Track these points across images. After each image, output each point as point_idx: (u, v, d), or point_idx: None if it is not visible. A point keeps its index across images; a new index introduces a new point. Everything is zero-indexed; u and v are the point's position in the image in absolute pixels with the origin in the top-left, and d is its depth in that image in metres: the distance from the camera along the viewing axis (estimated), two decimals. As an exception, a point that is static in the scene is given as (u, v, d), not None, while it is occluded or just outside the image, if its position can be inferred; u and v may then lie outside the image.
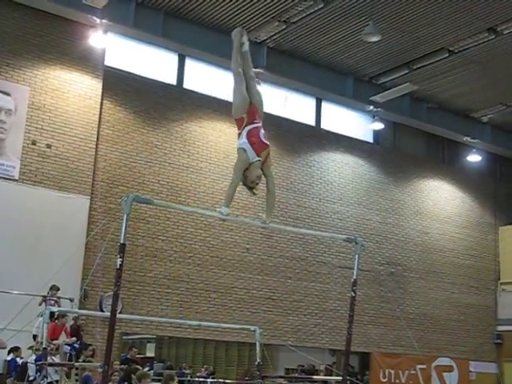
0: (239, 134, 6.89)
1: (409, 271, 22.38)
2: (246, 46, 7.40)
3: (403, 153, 23.20)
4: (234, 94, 7.04)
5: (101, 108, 17.10)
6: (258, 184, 6.93)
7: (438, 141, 24.02)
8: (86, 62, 16.81)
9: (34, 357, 11.78)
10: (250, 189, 7.10)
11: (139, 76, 18.15)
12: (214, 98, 19.21)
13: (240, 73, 7.12)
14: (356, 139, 22.15)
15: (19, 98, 15.84)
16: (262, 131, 6.88)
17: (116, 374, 12.27)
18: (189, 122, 18.71)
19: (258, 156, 6.75)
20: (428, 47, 18.53)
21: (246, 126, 6.81)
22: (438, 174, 23.85)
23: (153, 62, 18.55)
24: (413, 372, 21.43)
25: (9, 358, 13.50)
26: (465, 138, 23.34)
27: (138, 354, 17.72)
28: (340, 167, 21.52)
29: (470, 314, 23.50)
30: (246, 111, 6.86)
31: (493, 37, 17.51)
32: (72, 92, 16.58)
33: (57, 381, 9.97)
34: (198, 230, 18.21)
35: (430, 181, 23.63)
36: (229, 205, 6.75)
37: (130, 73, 18.01)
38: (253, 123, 6.82)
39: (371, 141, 22.71)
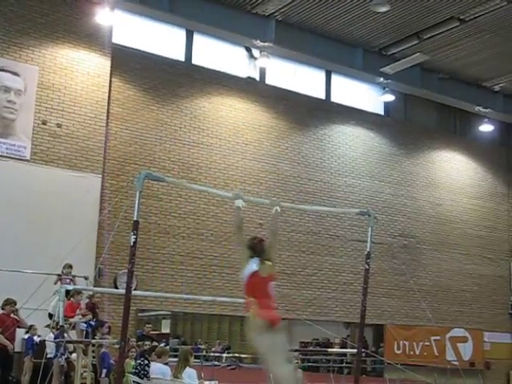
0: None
1: (422, 243, 22.35)
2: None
3: (414, 124, 23.06)
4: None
5: (110, 86, 17.05)
6: None
7: (450, 111, 23.84)
8: (94, 39, 16.72)
9: (51, 335, 11.89)
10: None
11: (147, 53, 18.07)
12: (223, 73, 19.14)
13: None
14: (366, 112, 22.02)
15: (28, 78, 15.81)
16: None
17: (133, 350, 12.36)
18: (198, 98, 18.64)
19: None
20: (438, 16, 18.29)
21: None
22: (450, 145, 23.71)
23: (160, 39, 18.46)
24: (427, 343, 21.47)
25: (26, 336, 13.64)
26: (477, 108, 23.14)
27: (154, 330, 17.83)
28: (351, 140, 21.43)
29: (483, 285, 23.47)
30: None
31: (505, 3, 17.22)
32: (80, 70, 16.53)
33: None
34: (210, 206, 18.21)
35: (442, 152, 23.50)
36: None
37: (138, 50, 17.94)
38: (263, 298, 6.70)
39: (382, 113, 22.58)
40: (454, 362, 20.83)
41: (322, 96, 21.21)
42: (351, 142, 21.41)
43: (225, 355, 26.16)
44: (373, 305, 19.53)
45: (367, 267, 7.40)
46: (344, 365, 21.50)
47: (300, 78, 20.78)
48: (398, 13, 18.10)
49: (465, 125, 24.18)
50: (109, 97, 16.98)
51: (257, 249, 6.72)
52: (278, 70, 20.27)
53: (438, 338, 21.45)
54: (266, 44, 18.82)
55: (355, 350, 7.91)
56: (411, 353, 21.36)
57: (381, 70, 20.74)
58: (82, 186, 15.86)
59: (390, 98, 21.72)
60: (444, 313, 22.00)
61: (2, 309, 11.42)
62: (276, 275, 6.86)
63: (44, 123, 15.88)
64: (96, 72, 16.71)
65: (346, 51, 20.40)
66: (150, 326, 15.35)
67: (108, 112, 16.93)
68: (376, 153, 21.91)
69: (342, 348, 22.38)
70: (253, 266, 6.72)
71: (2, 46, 15.64)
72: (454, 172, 23.58)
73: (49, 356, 11.69)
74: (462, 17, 18.19)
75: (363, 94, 22.12)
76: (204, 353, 23.90)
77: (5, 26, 15.69)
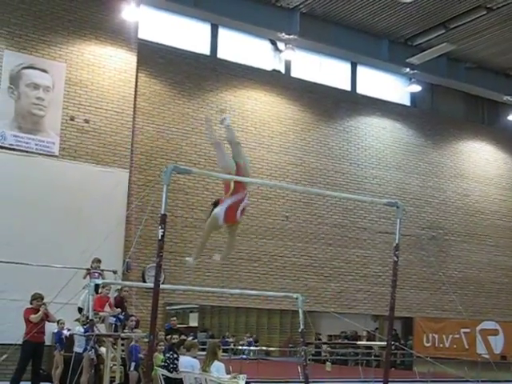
0: (222, 200, 7.49)
1: (450, 235, 22.18)
2: (227, 121, 8.12)
3: (441, 115, 22.86)
4: (219, 160, 7.86)
5: (136, 81, 17.14)
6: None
7: (477, 101, 23.61)
8: (120, 35, 16.82)
9: (80, 328, 12.00)
10: None
11: (173, 47, 18.13)
12: (249, 67, 19.14)
13: (220, 143, 7.84)
14: (393, 103, 21.89)
15: (56, 75, 15.95)
16: (243, 204, 7.43)
17: (161, 343, 12.43)
18: (224, 91, 18.67)
19: (227, 223, 7.50)
20: (465, 5, 18.09)
21: (229, 196, 7.40)
22: (478, 135, 23.47)
23: (186, 33, 18.51)
24: (457, 336, 21.32)
25: (55, 330, 13.78)
26: (505, 98, 22.85)
27: (181, 323, 17.93)
28: (377, 131, 21.32)
29: (513, 277, 23.24)
30: (235, 174, 7.41)
31: (532, -8, 17.05)
32: (107, 66, 16.64)
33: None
34: (236, 199, 18.21)
35: (470, 142, 23.27)
36: (197, 257, 7.67)
37: (163, 45, 18.01)
38: (237, 194, 7.37)
39: (408, 104, 22.42)
40: (485, 355, 20.65)
41: (348, 88, 21.12)
42: (378, 134, 21.30)
43: (253, 348, 26.25)
44: (401, 297, 19.46)
45: (396, 259, 7.34)
46: (372, 358, 21.44)
47: (325, 69, 20.70)
48: (424, 2, 17.94)
49: (493, 114, 23.93)
50: (135, 92, 17.07)
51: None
52: (304, 63, 20.22)
53: (467, 330, 21.28)
54: (291, 36, 18.76)
55: (385, 343, 7.86)
56: (440, 346, 21.22)
57: (407, 60, 20.59)
58: (109, 181, 15.97)
59: (417, 88, 21.56)
60: (474, 305, 21.82)
61: (31, 303, 11.56)
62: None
63: (72, 119, 16.02)
64: (122, 67, 16.81)
65: (372, 42, 20.28)
66: (175, 319, 15.39)
67: (135, 107, 17.03)
68: (403, 144, 21.77)
69: (369, 341, 22.35)
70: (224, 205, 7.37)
71: (30, 43, 15.80)
72: (482, 162, 23.35)
73: (77, 350, 11.81)
74: (489, 5, 17.97)
75: (389, 85, 21.99)
76: (232, 346, 24.00)
77: (33, 23, 15.84)
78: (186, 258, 7.41)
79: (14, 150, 15.23)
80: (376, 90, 21.57)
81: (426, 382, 18.72)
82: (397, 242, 7.37)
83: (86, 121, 16.19)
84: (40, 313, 11.30)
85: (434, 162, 22.32)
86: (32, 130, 15.53)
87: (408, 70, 20.92)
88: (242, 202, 7.40)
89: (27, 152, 15.35)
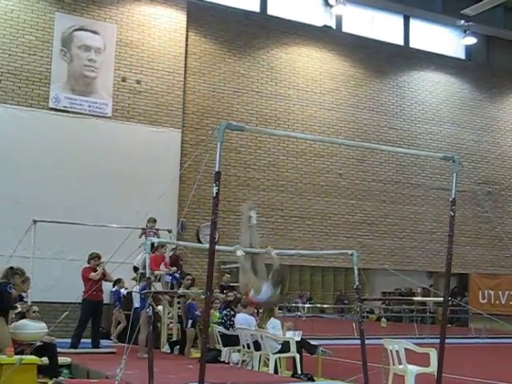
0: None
1: (507, 190, 21.76)
2: (254, 220, 8.04)
3: (498, 68, 22.24)
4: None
5: (186, 40, 17.10)
6: None
7: (536, 52, 22.90)
8: (169, -6, 16.77)
9: (137, 287, 12.20)
10: None
11: (222, 5, 18.00)
12: (299, 23, 18.89)
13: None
14: (447, 56, 21.38)
15: (107, 36, 16.03)
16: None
17: (217, 301, 12.56)
18: (274, 49, 18.50)
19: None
20: (523, -47, 17.50)
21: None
22: (536, 88, 22.81)
23: (235, -10, 18.34)
24: (513, 293, 21.04)
25: (113, 289, 14.06)
26: None
27: (236, 281, 18.03)
28: (431, 86, 20.90)
29: None
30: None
31: None
32: (157, 26, 16.63)
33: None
34: (289, 157, 18.19)
35: (528, 95, 22.65)
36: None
37: (212, 3, 17.90)
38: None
39: (463, 57, 21.88)
40: (542, 311, 20.34)
41: (401, 42, 20.71)
42: (432, 88, 20.88)
43: (307, 305, 26.38)
44: (457, 254, 19.20)
45: (452, 214, 7.20)
46: (427, 314, 21.35)
47: (377, 24, 20.31)
48: (479, -49, 17.38)
49: (551, 66, 23.20)
50: (186, 51, 17.05)
51: None
52: (355, 17, 19.85)
53: (525, 287, 20.97)
54: (341, -9, 18.42)
55: (440, 299, 7.78)
56: (497, 302, 20.97)
57: (461, 12, 20.04)
58: (162, 141, 16.09)
59: (472, 40, 20.99)
60: (531, 261, 21.46)
61: (88, 263, 11.78)
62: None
63: (124, 80, 16.12)
64: (172, 27, 16.78)
65: (425, -6, 19.81)
66: (230, 276, 15.47)
67: (185, 66, 17.03)
68: (457, 98, 21.32)
69: (424, 297, 22.21)
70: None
71: (80, 5, 15.88)
72: (540, 116, 22.71)
73: (135, 306, 12.02)
74: (548, -48, 17.31)
75: (443, 38, 21.48)
76: (287, 303, 24.15)
77: (83, -15, 15.90)
78: (236, 248, 7.70)
79: (67, 112, 15.45)
80: (430, 43, 21.09)
81: (483, 338, 18.62)
82: (453, 196, 7.22)
83: (138, 81, 16.28)
84: (100, 270, 11.51)
85: (489, 117, 21.82)
86: (85, 91, 15.69)
87: (463, 21, 20.37)
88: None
89: (81, 114, 15.56)
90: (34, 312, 9.66)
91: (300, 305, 25.43)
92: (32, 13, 15.43)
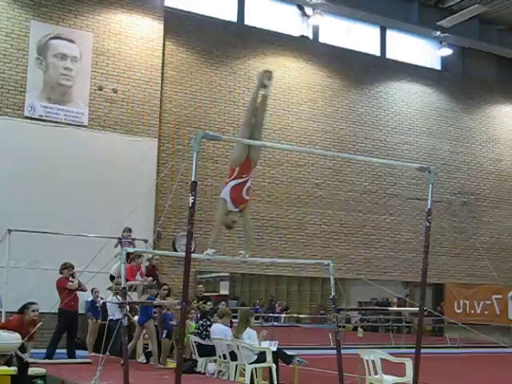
0: (226, 183, 7.54)
1: (482, 200, 21.95)
2: (269, 91, 7.92)
3: (473, 78, 22.45)
4: (236, 147, 7.67)
5: (163, 50, 17.08)
6: (233, 226, 7.68)
7: (510, 64, 23.10)
8: (146, 3, 16.74)
9: (112, 297, 12.11)
10: (228, 227, 7.77)
11: (199, 15, 18.00)
12: (276, 33, 18.95)
13: (249, 124, 7.69)
14: (423, 67, 21.57)
15: (83, 45, 15.95)
16: (247, 185, 7.52)
17: (193, 311, 12.51)
18: (251, 58, 18.52)
19: (236, 208, 7.47)
20: (497, -35, 17.71)
21: (233, 179, 7.45)
22: (511, 99, 23.04)
23: (212, 0, 18.33)
24: (488, 302, 21.18)
25: (89, 299, 13.93)
26: (538, 60, 22.41)
27: (212, 291, 18.01)
28: (408, 97, 21.05)
29: (546, 242, 22.95)
30: (241, 164, 7.43)
31: None
32: (134, 35, 16.58)
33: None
34: (266, 167, 18.18)
35: (503, 106, 22.88)
36: (214, 246, 7.44)
37: (190, 12, 17.89)
38: (241, 178, 7.44)
39: (439, 68, 22.07)
40: (517, 321, 20.51)
41: (378, 53, 20.85)
42: (408, 99, 21.03)
43: (283, 315, 26.36)
44: (432, 264, 19.20)
45: (428, 225, 7.25)
46: (403, 324, 21.42)
47: (354, 35, 20.43)
48: (454, -37, 17.56)
49: (526, 78, 23.48)
50: (163, 60, 17.02)
51: None
52: (332, 28, 19.96)
53: (499, 296, 21.11)
54: (319, 1, 18.51)
55: (416, 309, 7.81)
56: (472, 312, 21.13)
57: (437, 23, 20.22)
58: (138, 151, 16.01)
59: (448, 52, 21.21)
60: (506, 271, 21.60)
61: (60, 273, 11.67)
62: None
63: (100, 89, 16.04)
64: (149, 36, 16.74)
65: (401, 5, 19.96)
66: (201, 286, 15.39)
67: (162, 76, 16.99)
68: (433, 109, 21.49)
69: (399, 308, 22.30)
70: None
71: (56, 13, 15.79)
72: (514, 127, 22.96)
73: (110, 317, 11.94)
74: (522, -36, 17.55)
75: (419, 49, 21.66)
76: (263, 314, 24.12)
77: (59, -8, 15.81)
78: (206, 252, 7.40)
79: (43, 120, 15.33)
80: (406, 54, 21.26)
81: (458, 347, 18.73)
82: (429, 207, 7.27)
83: (114, 90, 16.20)
84: (76, 279, 11.40)
85: (465, 127, 22.01)
86: (61, 100, 15.59)
87: (438, 33, 20.54)
88: (245, 184, 7.49)
89: (57, 122, 15.45)
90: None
91: (276, 315, 25.41)
92: (7, 21, 15.31)
